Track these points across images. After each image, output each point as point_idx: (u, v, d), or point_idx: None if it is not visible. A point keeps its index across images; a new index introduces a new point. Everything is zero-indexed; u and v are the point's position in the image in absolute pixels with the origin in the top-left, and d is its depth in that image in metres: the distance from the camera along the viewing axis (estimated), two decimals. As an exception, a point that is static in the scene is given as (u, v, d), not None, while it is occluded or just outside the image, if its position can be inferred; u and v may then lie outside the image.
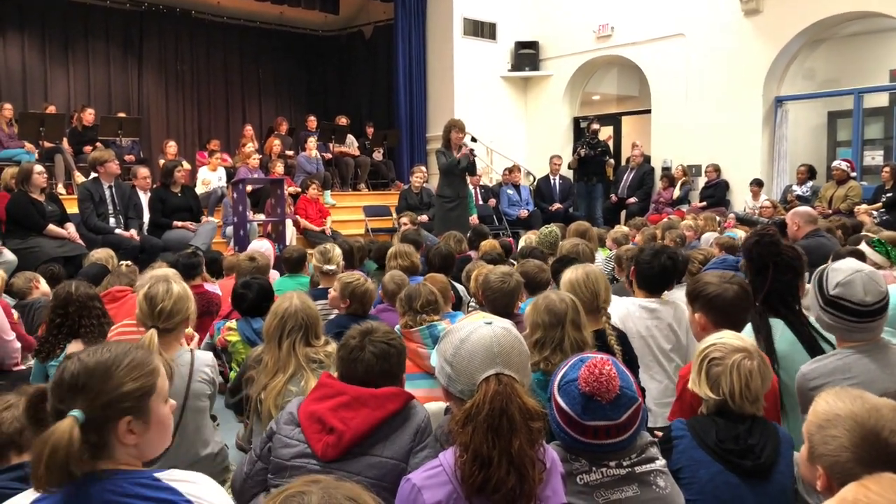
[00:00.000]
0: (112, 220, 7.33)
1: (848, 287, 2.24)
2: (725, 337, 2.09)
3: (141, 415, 1.46)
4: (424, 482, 1.62)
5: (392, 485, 1.98)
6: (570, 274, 2.98)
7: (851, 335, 2.30)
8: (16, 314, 4.43)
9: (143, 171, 8.27)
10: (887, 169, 9.05)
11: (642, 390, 2.92)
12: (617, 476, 1.73)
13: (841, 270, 2.30)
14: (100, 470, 1.41)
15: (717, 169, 10.78)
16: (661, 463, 1.79)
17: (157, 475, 1.44)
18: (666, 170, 11.47)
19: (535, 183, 12.20)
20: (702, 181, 11.04)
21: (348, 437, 2.02)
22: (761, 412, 2.03)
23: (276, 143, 10.91)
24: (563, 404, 1.73)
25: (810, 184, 9.99)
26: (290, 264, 5.33)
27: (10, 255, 6.26)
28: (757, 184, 10.21)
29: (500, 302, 3.47)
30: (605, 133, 12.59)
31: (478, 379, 1.65)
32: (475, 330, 1.70)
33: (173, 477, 1.45)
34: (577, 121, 13.13)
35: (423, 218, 9.56)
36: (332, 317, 4.02)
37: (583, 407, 1.70)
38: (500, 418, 1.59)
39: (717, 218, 8.96)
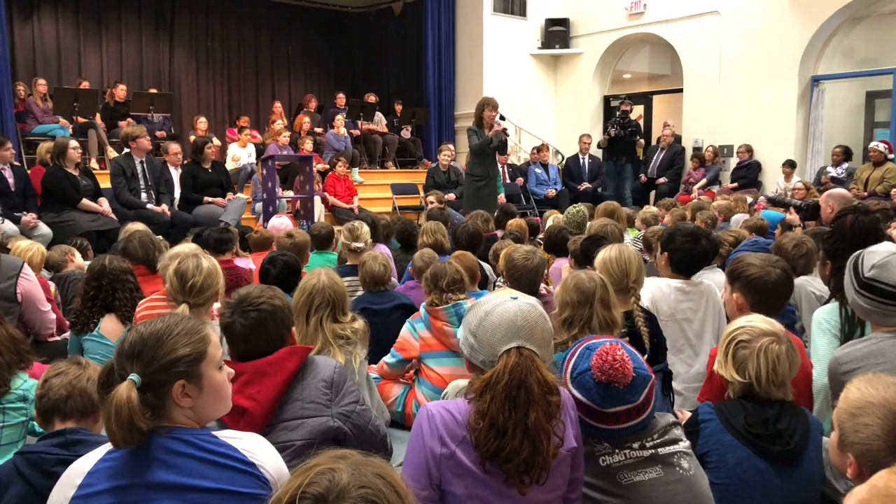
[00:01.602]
0: (143, 196, 7.42)
1: (883, 269, 2.20)
2: (754, 320, 2.06)
3: (194, 379, 1.56)
4: (445, 414, 1.70)
5: (322, 436, 2.03)
6: (604, 252, 2.98)
7: (887, 319, 2.25)
8: (52, 287, 4.53)
9: (175, 147, 8.36)
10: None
11: (669, 373, 2.92)
12: (640, 458, 1.73)
13: (877, 253, 2.25)
14: (161, 426, 1.52)
15: (749, 149, 10.60)
16: (684, 444, 1.78)
17: (214, 433, 1.56)
18: (697, 150, 11.31)
19: (563, 162, 12.11)
20: (733, 162, 10.88)
21: (261, 410, 2.01)
22: (789, 397, 2.00)
23: (305, 121, 10.94)
24: (580, 396, 1.73)
25: (846, 165, 9.78)
26: (318, 241, 5.36)
27: (45, 229, 6.40)
28: (789, 165, 10.02)
29: (524, 279, 3.48)
30: (637, 112, 12.44)
31: (499, 350, 1.68)
32: (501, 303, 1.74)
33: (229, 435, 1.58)
34: (607, 99, 12.98)
35: (451, 196, 9.55)
36: (359, 293, 4.06)
37: (601, 396, 1.70)
38: (519, 389, 1.62)
39: (749, 199, 8.83)
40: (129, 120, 9.69)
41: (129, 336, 1.58)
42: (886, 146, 9.13)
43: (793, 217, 6.03)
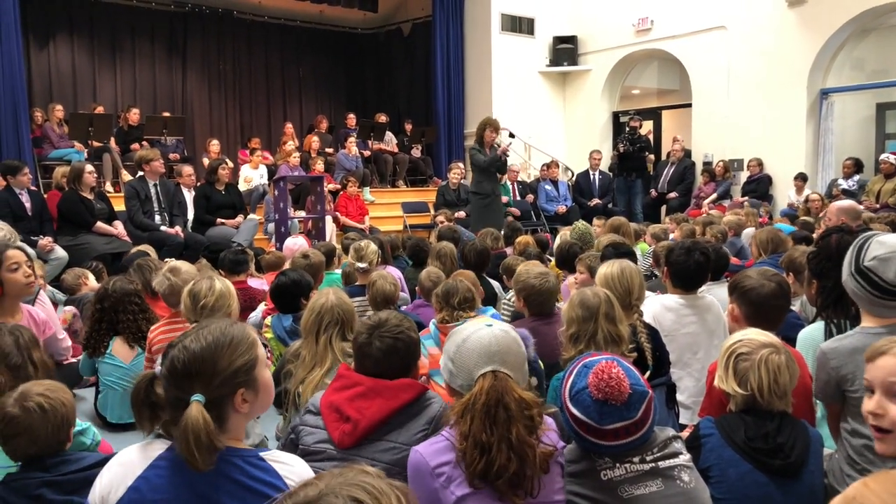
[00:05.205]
0: (157, 218, 7.52)
1: (882, 263, 2.17)
2: (751, 333, 2.08)
3: (251, 384, 1.59)
4: (428, 448, 1.78)
5: (404, 470, 2.06)
6: (605, 269, 3.00)
7: (873, 308, 2.24)
8: (70, 309, 4.61)
9: (188, 169, 8.48)
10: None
11: (672, 386, 2.93)
12: (640, 471, 1.75)
13: (884, 244, 2.20)
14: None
15: (759, 163, 10.60)
16: (685, 458, 1.80)
17: (261, 454, 1.57)
18: (707, 164, 11.32)
19: (573, 178, 12.14)
20: (744, 175, 10.87)
21: (363, 425, 2.07)
22: (790, 408, 2.01)
23: (314, 140, 11.05)
24: (578, 414, 1.75)
25: (857, 177, 9.76)
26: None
27: (61, 252, 6.49)
28: (801, 178, 10.01)
29: (536, 300, 3.48)
30: (646, 128, 12.47)
31: (476, 375, 1.79)
32: (476, 331, 1.85)
33: (274, 458, 1.58)
34: (616, 115, 13.02)
35: (461, 214, 9.60)
36: (368, 313, 4.09)
37: (599, 413, 1.72)
38: (496, 408, 1.72)
39: (760, 212, 8.81)
40: (144, 143, 9.83)
41: (177, 355, 1.54)
42: (898, 158, 9.10)
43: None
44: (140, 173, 7.72)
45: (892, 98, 10.91)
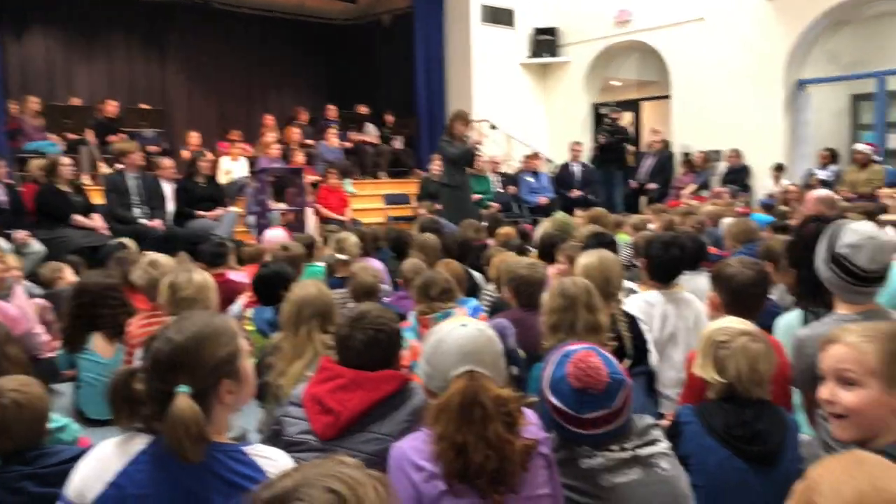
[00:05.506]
0: (137, 211, 7.45)
1: (856, 250, 2.21)
2: (729, 321, 2.11)
3: (235, 375, 1.58)
4: (409, 443, 1.77)
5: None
6: (584, 259, 3.02)
7: (848, 295, 2.28)
8: (41, 301, 4.56)
9: (167, 162, 8.40)
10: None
11: (652, 374, 2.96)
12: (620, 460, 1.77)
13: (856, 232, 2.24)
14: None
15: (737, 154, 10.69)
16: (664, 445, 1.82)
17: (243, 449, 1.56)
18: (686, 155, 11.39)
19: (557, 169, 12.15)
20: (722, 166, 10.95)
21: (345, 417, 2.08)
22: (768, 396, 2.04)
23: (294, 132, 10.97)
24: (557, 403, 1.77)
25: (833, 168, 9.88)
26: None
27: (38, 246, 6.42)
28: (778, 168, 10.11)
29: (526, 290, 3.48)
30: (625, 119, 12.51)
31: (451, 375, 1.77)
32: (451, 331, 1.84)
33: (256, 452, 1.57)
34: (596, 107, 13.06)
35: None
36: (349, 305, 4.09)
37: (577, 402, 1.74)
38: (472, 407, 1.69)
39: (738, 202, 8.88)
40: (122, 135, 9.70)
41: (161, 346, 1.54)
42: (872, 148, 9.23)
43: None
44: (119, 166, 7.64)
45: (867, 90, 11.03)
